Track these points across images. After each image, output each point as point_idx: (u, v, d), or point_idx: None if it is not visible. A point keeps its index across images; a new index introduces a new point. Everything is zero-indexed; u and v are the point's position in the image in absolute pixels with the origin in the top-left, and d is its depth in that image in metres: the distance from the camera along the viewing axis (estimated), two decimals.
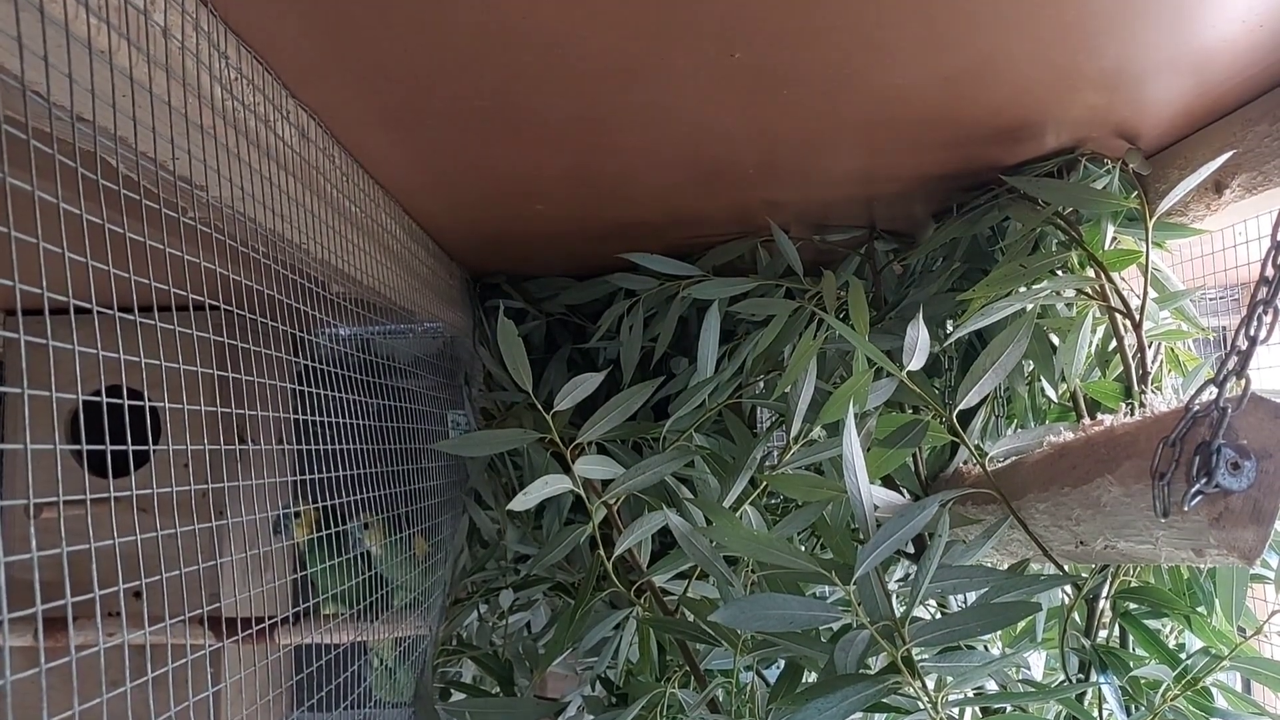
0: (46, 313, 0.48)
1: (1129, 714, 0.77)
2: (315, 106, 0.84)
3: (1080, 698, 0.82)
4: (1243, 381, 0.60)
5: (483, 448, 1.00)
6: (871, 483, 0.84)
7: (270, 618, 1.08)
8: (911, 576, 0.85)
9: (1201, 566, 0.81)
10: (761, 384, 1.23)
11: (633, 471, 0.98)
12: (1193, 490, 0.59)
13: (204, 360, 0.66)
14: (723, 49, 0.75)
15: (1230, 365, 0.60)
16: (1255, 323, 0.60)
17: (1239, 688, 0.87)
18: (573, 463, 0.98)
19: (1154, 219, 0.96)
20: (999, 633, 1.09)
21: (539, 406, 1.00)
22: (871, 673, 0.68)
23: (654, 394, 1.07)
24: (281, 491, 1.13)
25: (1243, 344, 0.60)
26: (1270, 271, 0.61)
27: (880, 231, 1.34)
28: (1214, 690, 0.76)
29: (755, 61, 0.77)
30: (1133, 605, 0.84)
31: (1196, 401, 0.62)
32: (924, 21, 0.72)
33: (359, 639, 1.10)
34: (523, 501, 0.90)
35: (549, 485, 0.92)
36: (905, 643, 0.68)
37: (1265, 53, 0.81)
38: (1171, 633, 0.90)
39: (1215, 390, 0.60)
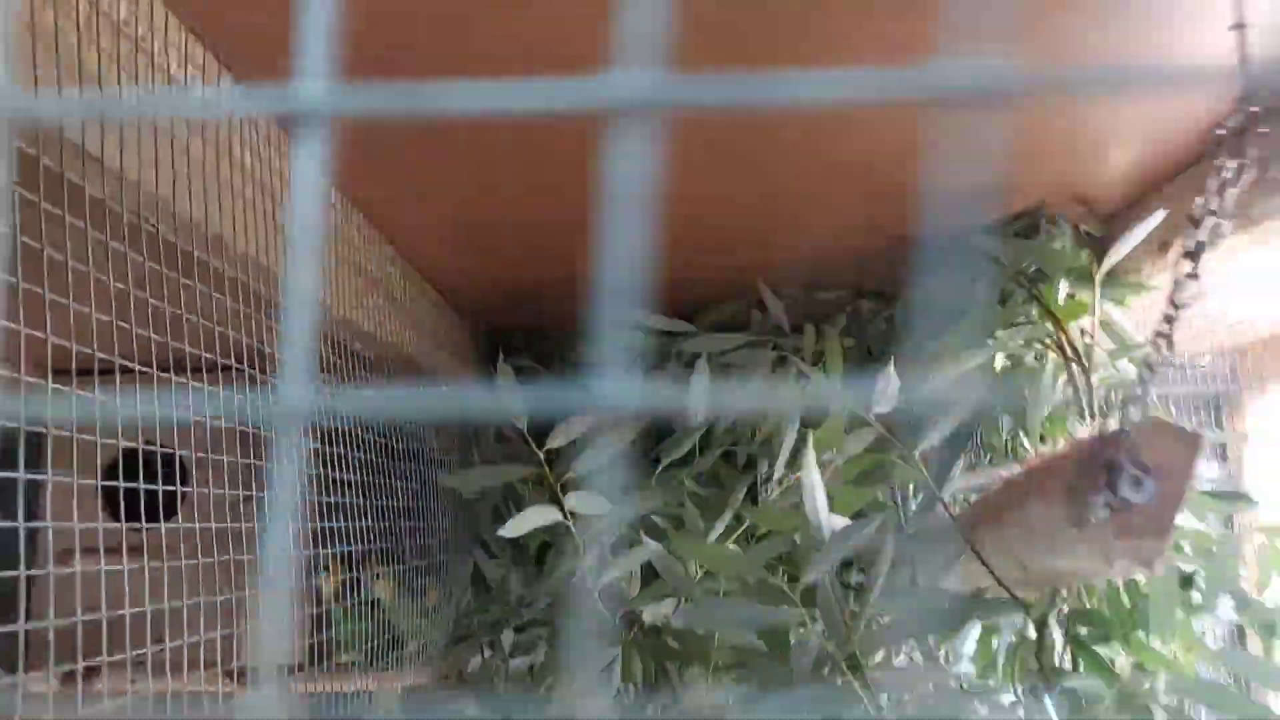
0: (96, 372, 0.57)
1: None
2: (333, 171, 0.94)
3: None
4: (1150, 398, 0.67)
5: (480, 481, 1.08)
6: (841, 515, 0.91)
7: (290, 666, 1.14)
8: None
9: (1118, 580, 0.86)
10: (751, 432, 1.30)
11: (621, 506, 1.06)
12: (1100, 502, 0.65)
13: (228, 419, 0.76)
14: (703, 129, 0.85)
15: (1164, 330, 0.66)
16: (1180, 291, 0.66)
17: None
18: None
19: (1099, 275, 1.04)
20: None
21: (533, 445, 1.07)
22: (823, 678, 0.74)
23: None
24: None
25: (1171, 311, 0.67)
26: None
27: (866, 290, 1.42)
28: (1154, 708, 0.81)
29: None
30: (1083, 630, 0.89)
31: (1109, 425, 0.69)
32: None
33: (373, 687, 1.16)
34: (514, 528, 0.97)
35: (540, 515, 0.99)
36: (853, 646, 0.74)
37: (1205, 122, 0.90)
38: (1129, 660, 0.94)
39: (1121, 414, 0.67)
